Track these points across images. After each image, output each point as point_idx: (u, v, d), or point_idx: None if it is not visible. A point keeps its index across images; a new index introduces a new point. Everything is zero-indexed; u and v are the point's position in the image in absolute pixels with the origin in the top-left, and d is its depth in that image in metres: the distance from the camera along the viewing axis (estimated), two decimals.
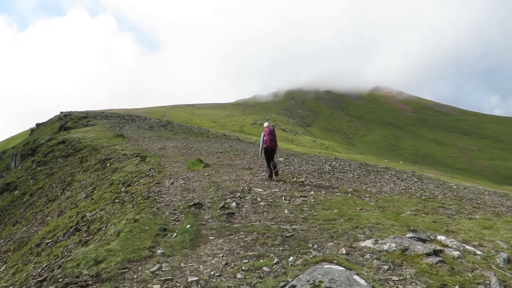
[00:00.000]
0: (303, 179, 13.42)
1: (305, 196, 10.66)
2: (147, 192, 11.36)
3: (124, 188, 13.92)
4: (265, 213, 8.65)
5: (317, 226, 7.51)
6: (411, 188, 13.85)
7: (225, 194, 10.27)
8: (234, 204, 9.21)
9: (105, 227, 10.40)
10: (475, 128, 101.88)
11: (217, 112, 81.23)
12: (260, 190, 11.08)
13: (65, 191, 18.77)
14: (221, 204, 9.03)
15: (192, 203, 9.22)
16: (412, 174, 20.19)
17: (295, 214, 8.58)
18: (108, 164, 18.87)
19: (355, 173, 16.59)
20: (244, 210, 8.89)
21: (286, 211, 8.80)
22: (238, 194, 10.29)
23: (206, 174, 13.24)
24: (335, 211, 8.93)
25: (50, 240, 13.18)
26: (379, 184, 14.19)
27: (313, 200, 10.19)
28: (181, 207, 9.21)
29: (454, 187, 15.95)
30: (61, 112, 52.01)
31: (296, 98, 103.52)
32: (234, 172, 13.79)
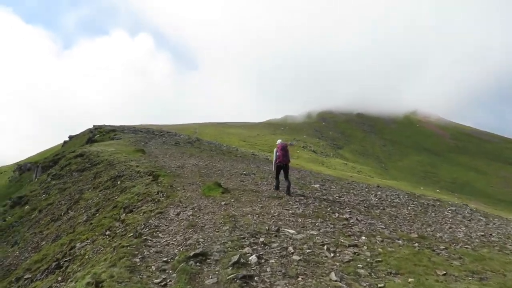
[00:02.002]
0: (347, 216, 10.07)
1: (356, 246, 7.35)
2: (142, 226, 8.44)
3: (124, 214, 11.13)
4: (300, 278, 5.45)
5: None
6: (491, 235, 10.14)
7: (243, 238, 7.13)
8: (254, 257, 6.04)
9: (82, 269, 7.58)
10: None
11: (247, 131, 78.85)
12: (292, 232, 7.87)
13: (69, 211, 16.31)
14: (235, 258, 5.88)
15: (193, 253, 6.14)
16: (472, 210, 16.28)
17: (348, 283, 5.32)
18: (118, 182, 16.29)
19: (409, 207, 13.00)
20: (268, 269, 5.72)
21: (333, 276, 5.54)
22: (262, 239, 7.12)
23: (223, 203, 10.17)
24: (410, 280, 5.58)
25: (30, 276, 10.51)
26: (447, 227, 10.58)
27: (368, 254, 6.86)
28: (177, 257, 6.15)
29: None
30: (93, 126, 51.20)
31: (328, 119, 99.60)
32: (259, 202, 10.64)
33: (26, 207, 20.65)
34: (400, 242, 8.10)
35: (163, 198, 11.06)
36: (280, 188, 12.53)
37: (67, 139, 50.97)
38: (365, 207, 11.85)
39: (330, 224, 8.98)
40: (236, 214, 9.01)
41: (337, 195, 13.42)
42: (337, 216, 9.96)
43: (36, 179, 24.81)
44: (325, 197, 12.73)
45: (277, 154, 12.21)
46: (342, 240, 7.62)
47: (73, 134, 50.64)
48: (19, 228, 18.97)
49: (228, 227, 7.84)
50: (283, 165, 12.17)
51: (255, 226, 8.05)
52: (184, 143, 35.25)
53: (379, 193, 15.92)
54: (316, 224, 8.83)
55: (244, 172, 16.47)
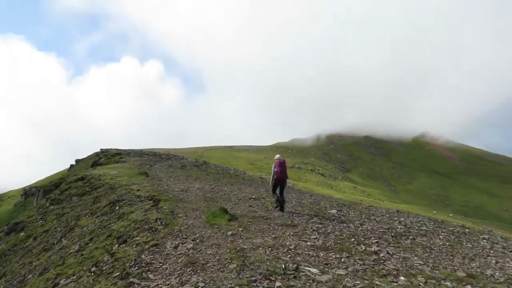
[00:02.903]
0: (375, 248, 8.42)
1: None
2: (132, 263, 6.90)
3: (116, 246, 9.59)
4: None
5: None
6: None
7: (255, 281, 5.57)
8: None
9: None
10: None
11: (255, 154, 77.46)
12: (315, 271, 6.27)
13: (63, 239, 14.79)
14: None
15: None
16: (503, 238, 14.43)
17: None
18: (117, 208, 14.81)
19: (440, 237, 11.27)
20: None
21: None
22: (278, 283, 5.55)
23: (229, 232, 8.60)
24: None
25: None
26: (493, 261, 8.85)
27: None
28: None
29: None
30: (100, 149, 50.23)
31: (335, 142, 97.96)
32: (271, 231, 9.06)
33: (21, 234, 19.18)
34: (449, 283, 6.44)
35: (161, 227, 9.53)
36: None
37: (73, 162, 49.95)
38: (392, 236, 10.17)
39: (358, 259, 7.35)
40: (245, 247, 7.44)
41: (358, 222, 11.75)
42: (363, 248, 8.32)
43: (35, 204, 23.46)
44: (345, 224, 11.08)
45: (275, 170, 11.95)
46: (378, 283, 6.00)
47: (79, 158, 49.64)
48: (11, 258, 17.43)
49: (235, 265, 6.27)
50: (280, 181, 11.85)
51: (268, 263, 6.47)
52: (190, 166, 33.86)
53: (402, 219, 14.20)
54: (342, 259, 7.21)
55: (253, 196, 14.91)
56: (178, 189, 16.51)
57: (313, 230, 9.61)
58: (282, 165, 11.90)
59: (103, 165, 31.61)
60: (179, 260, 6.69)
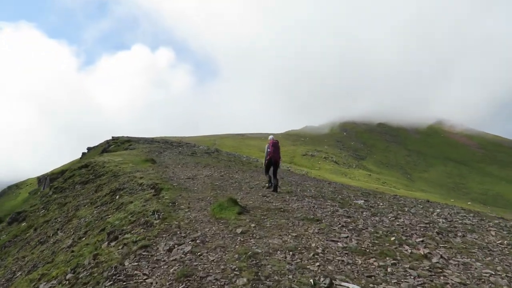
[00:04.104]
0: (424, 250, 6.50)
1: None
2: (112, 271, 5.17)
3: (106, 243, 7.91)
4: None
5: None
6: None
7: None
8: None
9: None
10: None
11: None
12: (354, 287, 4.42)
13: (59, 231, 13.32)
14: None
15: None
16: None
17: None
18: (117, 197, 13.22)
19: (492, 233, 9.26)
20: None
21: None
22: None
23: (239, 230, 6.79)
24: None
25: None
26: None
27: None
28: None
29: None
30: (112, 137, 49.10)
31: (349, 130, 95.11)
32: (291, 228, 7.21)
33: (23, 224, 17.89)
34: None
35: (157, 221, 7.79)
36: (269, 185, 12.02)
37: (85, 150, 49.01)
38: (437, 233, 8.20)
39: (409, 268, 5.46)
40: (259, 251, 5.63)
41: (391, 214, 9.81)
42: (409, 251, 6.41)
43: (39, 193, 22.23)
44: (377, 218, 9.16)
45: (268, 150, 11.69)
46: None
47: (91, 146, 48.65)
48: (10, 250, 16.14)
49: (245, 280, 4.47)
50: (273, 162, 11.58)
51: (291, 276, 4.65)
52: (201, 153, 32.21)
53: (438, 210, 12.19)
54: (388, 269, 5.33)
55: (267, 185, 13.08)
56: (185, 177, 14.80)
57: (342, 225, 7.73)
58: (275, 145, 11.64)
59: (112, 152, 30.24)
60: (171, 271, 4.91)
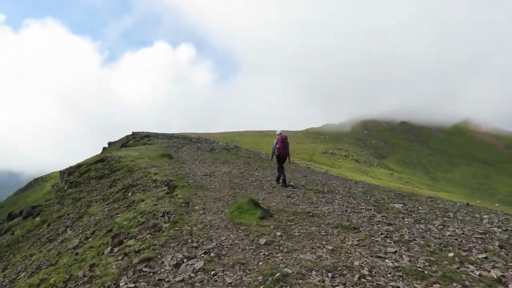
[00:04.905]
0: (496, 273, 5.06)
1: None
2: None
3: (109, 248, 6.82)
4: None
5: None
6: None
7: None
8: None
9: None
10: None
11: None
12: None
13: (68, 229, 12.45)
14: None
15: None
16: None
17: None
18: (129, 194, 12.22)
19: None
20: None
21: None
22: None
23: (262, 240, 5.53)
24: None
25: None
26: None
27: None
28: None
29: None
30: (132, 132, 48.83)
31: (370, 128, 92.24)
32: (324, 238, 5.90)
33: (37, 219, 17.23)
34: None
35: (167, 225, 6.63)
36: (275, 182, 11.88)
37: (106, 145, 48.94)
38: (500, 247, 6.70)
39: None
40: (289, 271, 4.35)
41: (438, 222, 8.32)
42: (477, 273, 4.99)
43: (55, 187, 21.70)
44: (422, 225, 7.71)
45: (276, 145, 11.46)
46: None
47: (112, 141, 48.54)
48: (23, 245, 15.49)
49: None
50: (282, 157, 11.42)
51: None
52: (220, 149, 31.16)
53: (485, 216, 10.57)
54: None
55: (291, 183, 11.77)
56: (202, 173, 13.67)
57: (384, 236, 6.35)
58: (284, 141, 11.38)
59: (131, 147, 29.59)
60: None
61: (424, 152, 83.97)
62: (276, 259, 4.78)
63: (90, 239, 9.58)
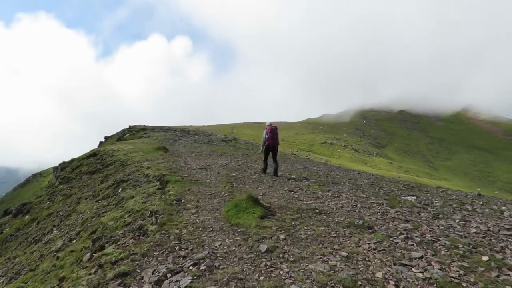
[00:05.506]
0: None
1: None
2: None
3: (88, 254, 5.92)
4: None
5: None
6: None
7: None
8: None
9: None
10: None
11: (285, 130, 73.14)
12: None
13: (54, 229, 11.57)
14: None
15: None
16: None
17: None
18: (119, 190, 11.29)
19: None
20: None
21: None
22: None
23: (263, 246, 4.61)
24: None
25: None
26: None
27: None
28: None
29: None
30: (129, 126, 47.73)
31: (368, 117, 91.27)
32: (336, 241, 4.99)
33: (27, 217, 16.32)
34: None
35: (153, 228, 5.71)
36: (268, 171, 11.84)
37: (103, 139, 47.84)
38: None
39: None
40: None
41: (457, 217, 7.42)
42: None
43: (48, 182, 20.78)
44: (442, 222, 6.81)
45: (266, 136, 11.34)
46: None
47: (108, 135, 47.44)
48: (11, 245, 14.62)
49: None
50: (271, 148, 11.33)
51: None
52: (217, 141, 30.22)
53: (503, 208, 9.68)
54: None
55: (293, 176, 10.85)
56: (197, 167, 12.74)
57: (404, 236, 5.45)
58: (273, 131, 11.28)
59: (126, 141, 28.60)
60: None
61: (423, 141, 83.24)
62: (281, 272, 3.87)
63: (74, 241, 8.69)
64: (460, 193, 12.73)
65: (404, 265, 4.29)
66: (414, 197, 8.97)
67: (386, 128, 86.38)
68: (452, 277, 4.09)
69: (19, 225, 15.93)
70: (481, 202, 10.40)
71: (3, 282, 8.90)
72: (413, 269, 4.19)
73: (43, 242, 10.72)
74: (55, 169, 26.00)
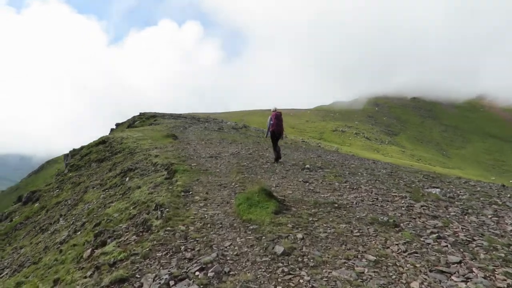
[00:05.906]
0: None
1: None
2: None
3: (89, 250, 5.50)
4: None
5: None
6: None
7: None
8: None
9: None
10: None
11: (296, 118, 72.17)
12: None
13: (61, 219, 11.29)
14: None
15: None
16: None
17: None
18: (126, 179, 10.89)
19: None
20: None
21: None
22: None
23: (278, 248, 4.06)
24: None
25: None
26: None
27: None
28: None
29: None
30: (139, 113, 47.53)
31: (381, 105, 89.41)
32: (360, 242, 4.42)
33: (36, 205, 16.18)
34: None
35: (157, 223, 5.22)
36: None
37: (114, 126, 47.75)
38: None
39: None
40: None
41: (488, 212, 6.76)
42: None
43: (57, 170, 20.66)
44: (473, 218, 6.18)
45: (271, 122, 11.07)
46: None
47: (119, 122, 47.31)
48: (20, 232, 14.50)
49: None
50: (276, 134, 11.08)
51: None
52: (228, 129, 29.70)
53: None
54: None
55: (307, 166, 10.25)
56: (207, 155, 12.24)
57: (435, 235, 4.85)
58: (278, 117, 11.04)
59: (137, 128, 28.30)
60: None
61: (437, 129, 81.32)
62: (301, 280, 3.33)
63: (78, 233, 8.33)
64: (484, 184, 11.98)
65: (442, 272, 3.71)
66: (438, 189, 8.30)
67: (399, 116, 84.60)
68: (500, 287, 3.50)
69: (28, 213, 15.80)
70: (509, 195, 9.67)
71: (7, 274, 8.63)
72: (453, 277, 3.60)
73: (49, 232, 10.43)
74: (65, 156, 25.92)
